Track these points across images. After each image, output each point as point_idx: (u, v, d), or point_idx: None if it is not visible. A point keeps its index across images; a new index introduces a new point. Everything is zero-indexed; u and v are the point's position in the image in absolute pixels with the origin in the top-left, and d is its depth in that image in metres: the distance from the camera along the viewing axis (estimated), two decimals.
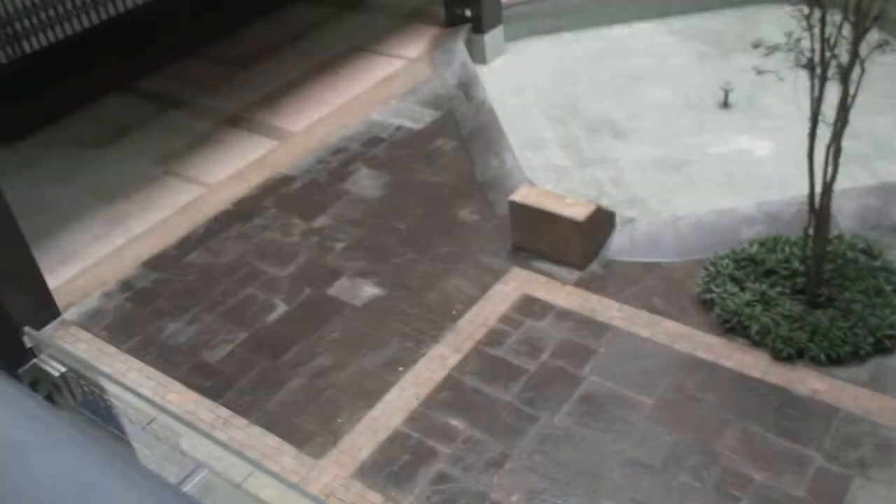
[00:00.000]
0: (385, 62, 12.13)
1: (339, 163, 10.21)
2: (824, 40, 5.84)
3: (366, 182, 9.84)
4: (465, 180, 9.62)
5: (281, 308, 8.21)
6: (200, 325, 8.13)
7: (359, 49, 12.54)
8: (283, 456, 6.72)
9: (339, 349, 7.66)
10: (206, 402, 7.27)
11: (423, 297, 8.12)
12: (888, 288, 7.23)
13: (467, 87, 11.12)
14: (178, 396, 7.34)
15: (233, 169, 10.27)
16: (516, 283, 8.13)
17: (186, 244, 9.19)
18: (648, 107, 10.88)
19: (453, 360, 7.39)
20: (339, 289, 8.35)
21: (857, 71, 5.90)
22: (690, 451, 6.39)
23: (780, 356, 6.98)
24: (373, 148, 10.40)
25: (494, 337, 7.57)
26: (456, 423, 6.83)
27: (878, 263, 7.47)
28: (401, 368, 7.35)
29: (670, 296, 7.77)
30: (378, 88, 11.54)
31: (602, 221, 8.30)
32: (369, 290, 8.28)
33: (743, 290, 7.42)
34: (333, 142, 10.59)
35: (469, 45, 12.00)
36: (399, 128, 10.70)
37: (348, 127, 10.82)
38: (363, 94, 11.44)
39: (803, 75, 6.28)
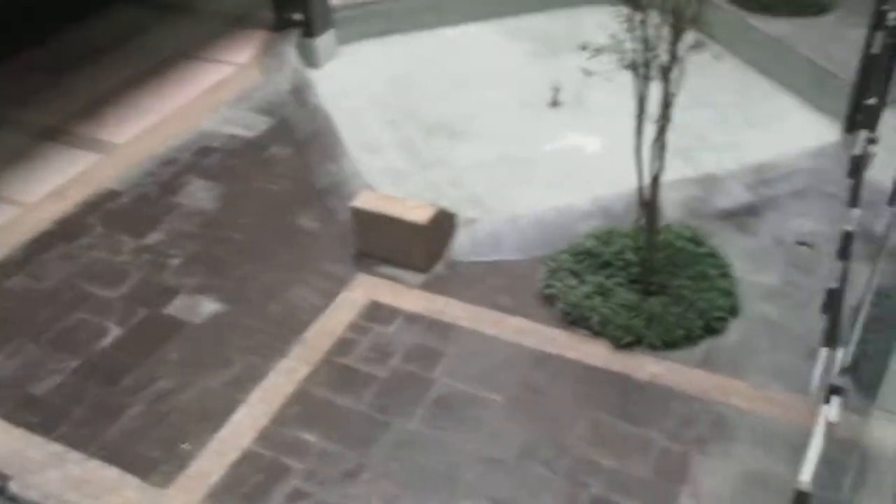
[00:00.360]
0: (213, 69, 11.72)
1: (169, 175, 9.76)
2: (645, 41, 6.09)
3: (199, 194, 9.46)
4: (304, 187, 9.43)
5: (114, 332, 7.74)
6: (24, 356, 7.54)
7: (185, 55, 12.05)
8: (126, 488, 6.34)
9: (181, 370, 7.31)
10: (36, 439, 6.74)
11: (267, 310, 7.88)
12: (713, 273, 7.66)
13: (300, 92, 10.92)
14: (3, 435, 6.77)
15: (52, 186, 9.60)
16: (362, 290, 8.04)
17: (3, 270, 8.50)
18: (483, 107, 11.05)
19: (302, 372, 7.22)
20: (177, 307, 7.97)
21: (676, 70, 6.20)
22: (542, 444, 6.53)
23: (620, 344, 7.26)
24: (205, 158, 10.01)
25: (343, 346, 7.45)
26: (308, 437, 6.66)
27: (703, 250, 7.90)
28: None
29: (514, 293, 7.91)
30: (207, 96, 11.13)
31: (444, 223, 8.35)
32: (209, 307, 7.95)
33: (582, 283, 7.65)
34: (162, 153, 10.11)
35: (300, 49, 11.78)
36: (232, 136, 10.35)
37: (178, 137, 10.37)
38: (192, 103, 11.00)
39: (629, 75, 6.54)
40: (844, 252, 3.89)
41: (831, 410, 2.25)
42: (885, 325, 6.98)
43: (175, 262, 8.51)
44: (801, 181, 9.02)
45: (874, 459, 5.75)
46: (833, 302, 4.06)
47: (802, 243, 8.28)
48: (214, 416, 6.86)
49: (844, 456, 5.61)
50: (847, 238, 3.70)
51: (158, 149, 10.17)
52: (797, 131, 10.18)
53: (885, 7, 4.82)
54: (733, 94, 10.97)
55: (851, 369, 5.98)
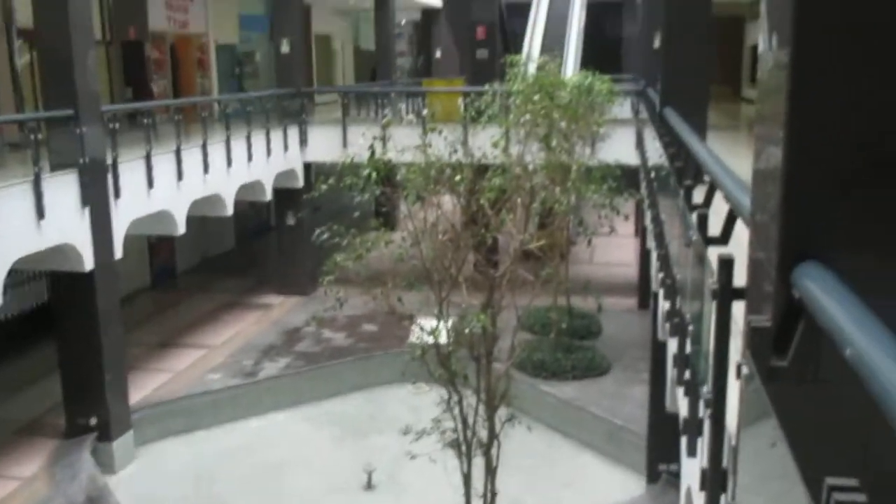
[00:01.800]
0: None
1: None
2: (464, 421, 6.35)
3: None
4: None
5: None
6: None
7: None
8: None
9: None
10: None
11: None
12: None
13: (97, 502, 10.11)
14: None
15: None
16: None
17: None
18: (294, 497, 10.70)
19: None
20: None
21: (495, 444, 6.44)
22: None
23: None
24: None
25: None
26: None
27: None
28: None
29: None
30: None
31: None
32: None
33: None
34: None
35: (96, 455, 11.12)
36: None
37: None
38: None
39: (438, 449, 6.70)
40: None
41: None
42: None
43: None
44: None
45: None
46: None
47: None
48: None
49: None
50: None
51: None
52: (603, 486, 10.61)
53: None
54: (540, 458, 11.39)
55: None
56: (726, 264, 2.65)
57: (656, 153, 8.97)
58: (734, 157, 5.13)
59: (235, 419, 12.68)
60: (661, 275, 6.52)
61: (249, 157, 14.85)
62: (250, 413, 12.84)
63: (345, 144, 15.93)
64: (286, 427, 12.66)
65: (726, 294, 2.67)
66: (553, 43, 22.68)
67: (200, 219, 15.01)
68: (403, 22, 33.49)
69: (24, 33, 13.81)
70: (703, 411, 4.01)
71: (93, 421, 11.31)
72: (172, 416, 12.35)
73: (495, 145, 7.99)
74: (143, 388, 12.90)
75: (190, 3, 20.12)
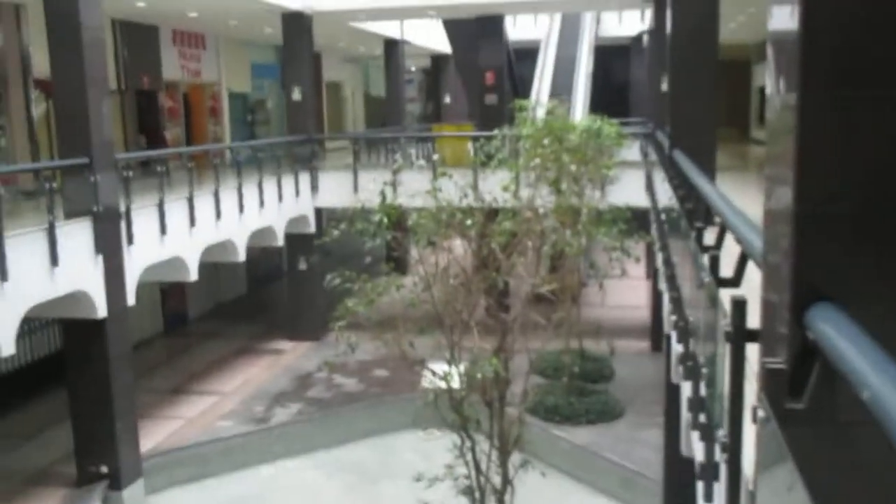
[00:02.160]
0: None
1: None
2: (477, 467, 6.29)
3: None
4: None
5: None
6: None
7: None
8: None
9: None
10: None
11: None
12: None
13: None
14: None
15: None
16: None
17: None
18: None
19: None
20: None
21: (509, 491, 6.36)
22: None
23: None
24: None
25: None
26: None
27: None
28: None
29: None
30: None
31: None
32: None
33: None
34: None
35: (106, 503, 11.03)
36: None
37: None
38: None
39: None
40: None
41: None
42: None
43: None
44: None
45: None
46: None
47: None
48: None
49: None
50: None
51: None
52: None
53: None
54: None
55: None
56: (739, 306, 2.62)
57: (666, 195, 8.98)
58: (744, 197, 5.13)
59: (246, 467, 12.58)
60: (673, 317, 6.48)
61: (261, 204, 14.94)
62: (261, 460, 12.74)
63: (356, 190, 16.03)
64: (297, 475, 12.55)
65: (740, 336, 2.64)
66: (561, 87, 22.91)
67: (213, 265, 15.07)
68: (413, 68, 33.90)
69: (41, 84, 14.04)
70: (718, 455, 3.95)
71: (104, 469, 11.25)
72: (183, 463, 12.26)
73: (505, 189, 8.02)
74: (155, 435, 12.84)
75: (203, 52, 20.44)
